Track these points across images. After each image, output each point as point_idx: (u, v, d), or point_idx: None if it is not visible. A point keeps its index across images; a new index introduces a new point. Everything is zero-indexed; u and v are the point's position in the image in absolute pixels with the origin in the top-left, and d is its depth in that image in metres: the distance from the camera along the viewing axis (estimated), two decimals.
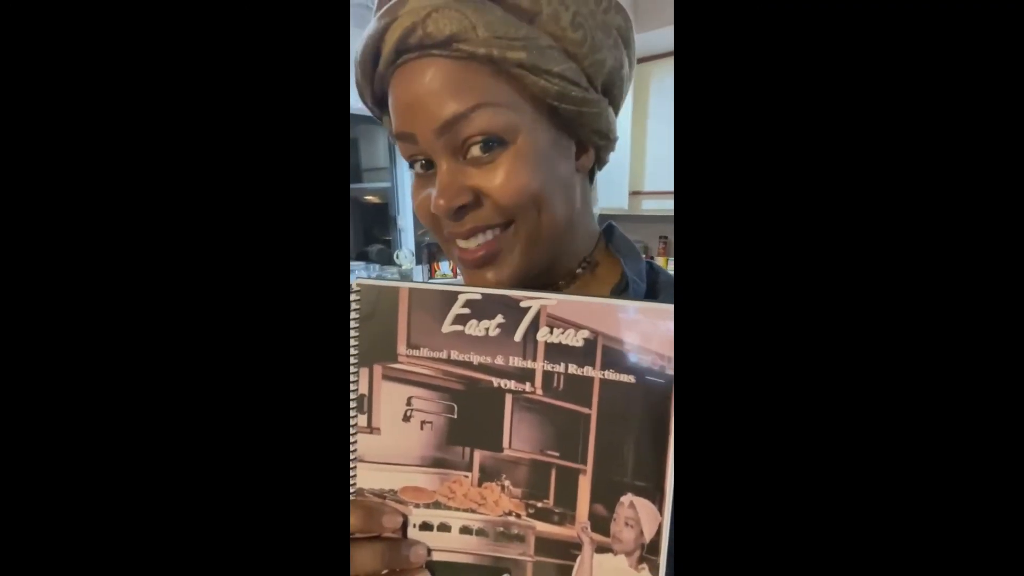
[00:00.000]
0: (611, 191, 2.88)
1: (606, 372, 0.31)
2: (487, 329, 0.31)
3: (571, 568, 0.32)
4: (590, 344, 0.31)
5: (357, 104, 0.46)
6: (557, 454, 0.32)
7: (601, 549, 0.31)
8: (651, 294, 0.46)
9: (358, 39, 0.40)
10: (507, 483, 0.32)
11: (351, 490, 0.33)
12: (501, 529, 0.33)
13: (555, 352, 0.31)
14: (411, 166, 0.42)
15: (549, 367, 0.31)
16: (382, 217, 3.23)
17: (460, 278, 0.46)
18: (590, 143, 0.43)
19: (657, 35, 2.51)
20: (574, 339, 0.31)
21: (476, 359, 0.31)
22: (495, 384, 0.32)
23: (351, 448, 0.33)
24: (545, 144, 0.39)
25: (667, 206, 2.84)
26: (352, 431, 0.33)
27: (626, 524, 0.31)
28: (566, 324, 0.31)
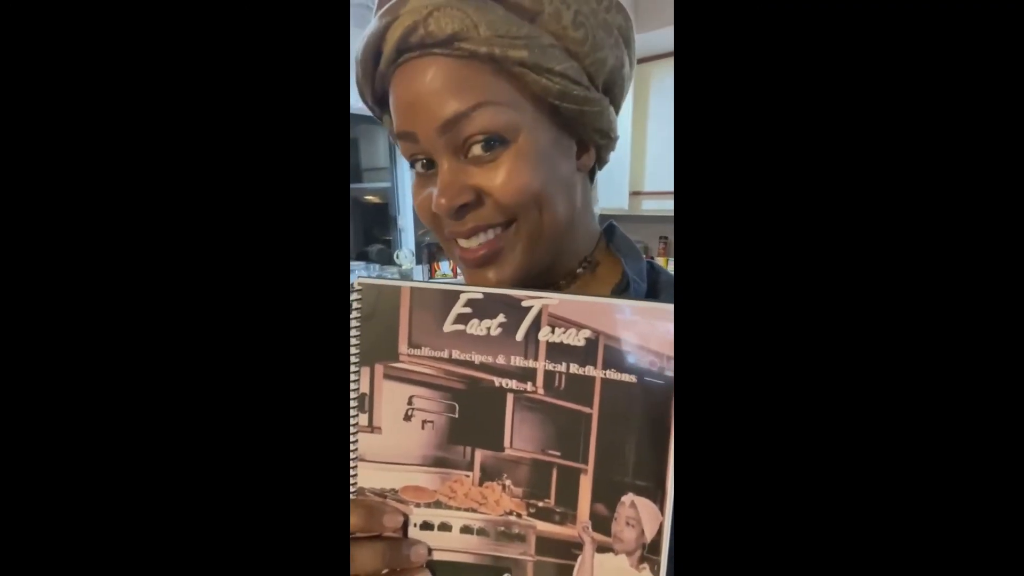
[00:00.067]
0: (611, 191, 2.88)
1: (607, 372, 0.31)
2: (488, 328, 0.31)
3: (572, 568, 0.32)
4: (591, 344, 0.31)
5: (357, 104, 0.46)
6: (558, 454, 0.32)
7: (602, 549, 0.31)
8: (652, 294, 0.46)
9: (358, 39, 0.40)
10: (508, 483, 0.32)
11: (352, 489, 0.33)
12: (502, 529, 0.33)
13: (556, 352, 0.31)
14: (412, 165, 0.42)
15: (550, 367, 0.31)
16: (382, 217, 3.23)
17: (460, 278, 0.46)
18: (591, 142, 0.43)
19: (657, 35, 2.51)
20: (575, 339, 0.31)
21: (477, 358, 0.31)
22: (496, 383, 0.32)
23: (352, 447, 0.33)
24: (546, 143, 0.39)
25: (667, 206, 2.84)
26: (353, 430, 0.33)
27: (627, 524, 0.31)
28: (568, 324, 0.31)
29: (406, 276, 2.84)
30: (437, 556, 0.33)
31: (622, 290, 0.45)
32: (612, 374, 0.30)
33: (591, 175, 0.47)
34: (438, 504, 0.33)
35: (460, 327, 0.31)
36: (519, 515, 0.32)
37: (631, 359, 0.30)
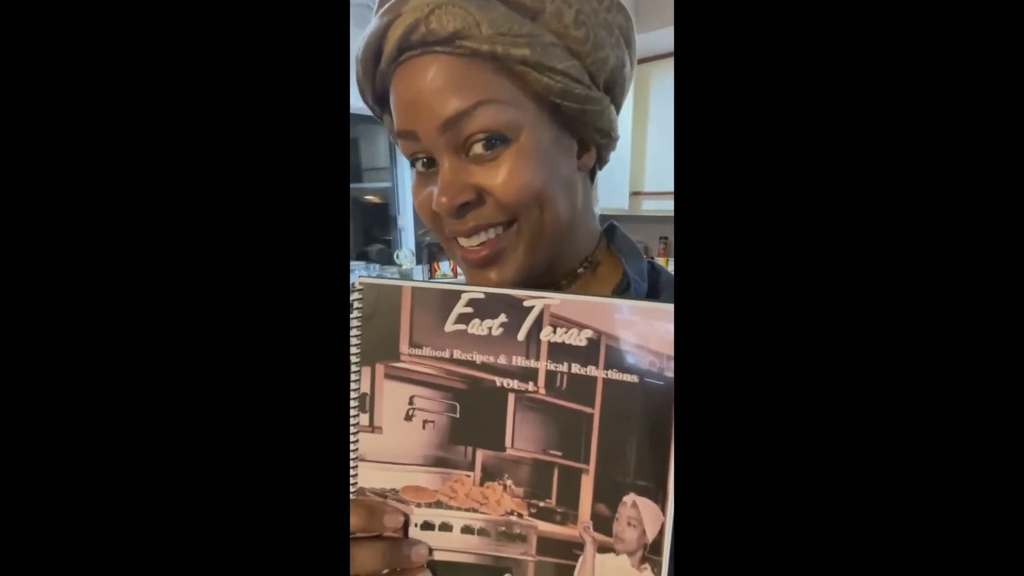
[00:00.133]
0: (611, 191, 2.88)
1: (609, 372, 0.31)
2: (490, 328, 0.31)
3: (573, 568, 0.32)
4: (593, 344, 0.31)
5: (357, 104, 0.46)
6: (560, 454, 0.32)
7: (603, 549, 0.31)
8: (653, 294, 0.46)
9: (358, 39, 0.40)
10: (509, 483, 0.32)
11: (352, 489, 0.33)
12: (503, 529, 0.33)
13: (558, 351, 0.31)
14: (412, 164, 0.42)
15: (552, 366, 0.31)
16: (382, 217, 3.23)
17: (461, 278, 0.46)
18: (592, 142, 0.43)
19: (657, 35, 2.51)
20: (577, 339, 0.31)
21: (479, 358, 0.31)
22: (498, 383, 0.32)
23: (353, 447, 0.33)
24: (548, 142, 0.39)
25: (667, 206, 2.84)
26: (354, 430, 0.33)
27: (628, 524, 0.31)
28: (569, 324, 0.31)
29: (406, 276, 2.84)
30: (438, 556, 0.33)
31: (623, 290, 0.45)
32: (614, 374, 0.30)
33: (591, 175, 0.47)
34: (439, 504, 0.33)
35: (461, 327, 0.31)
36: (520, 515, 0.32)
37: (633, 359, 0.30)
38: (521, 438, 0.32)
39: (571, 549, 0.32)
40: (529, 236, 0.40)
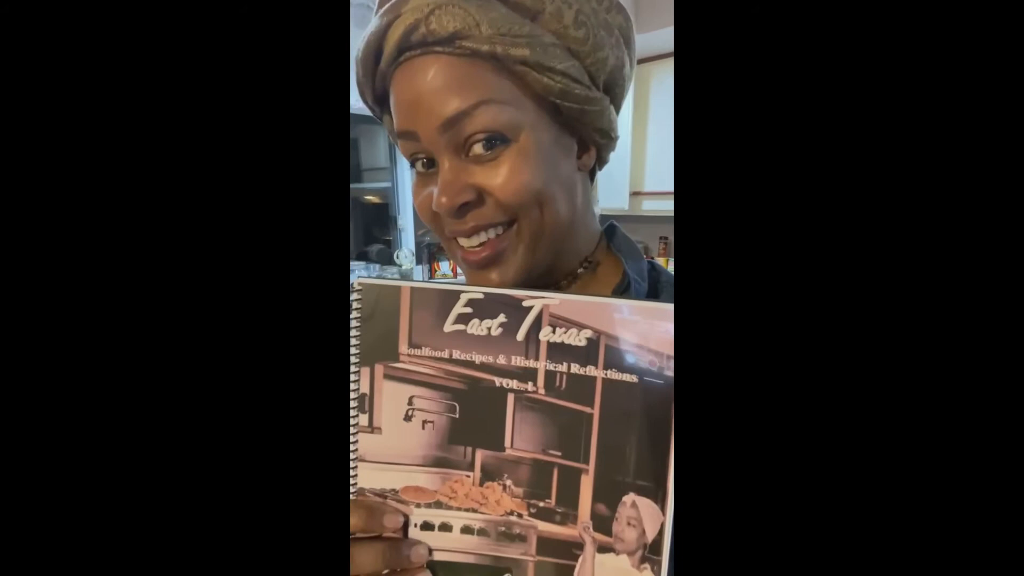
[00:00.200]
0: (611, 191, 2.88)
1: (608, 372, 0.30)
2: (489, 328, 0.31)
3: (573, 568, 0.32)
4: (592, 344, 0.30)
5: (357, 104, 0.46)
6: (559, 454, 0.32)
7: (603, 549, 0.31)
8: (653, 294, 0.46)
9: (358, 39, 0.40)
10: (509, 483, 0.32)
11: (352, 489, 0.33)
12: (503, 529, 0.33)
13: (557, 351, 0.31)
14: (412, 165, 0.42)
15: (551, 366, 0.31)
16: (382, 217, 3.23)
17: (461, 278, 0.46)
18: (591, 142, 0.43)
19: (657, 35, 2.51)
20: (576, 339, 0.31)
21: (478, 358, 0.31)
22: (497, 383, 0.32)
23: (352, 447, 0.33)
24: (548, 142, 0.39)
25: (667, 206, 2.84)
26: (353, 430, 0.33)
27: (628, 524, 0.31)
28: (568, 323, 0.31)
29: (406, 276, 2.84)
30: (438, 556, 0.33)
31: (623, 290, 0.45)
32: (613, 374, 0.30)
33: (591, 175, 0.47)
34: (438, 504, 0.33)
35: (461, 327, 0.31)
36: (520, 515, 0.32)
37: (632, 359, 0.30)
38: (520, 438, 0.32)
39: (571, 549, 0.32)
40: (529, 236, 0.40)
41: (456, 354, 0.31)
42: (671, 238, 3.15)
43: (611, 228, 0.49)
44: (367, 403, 0.32)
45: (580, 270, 0.46)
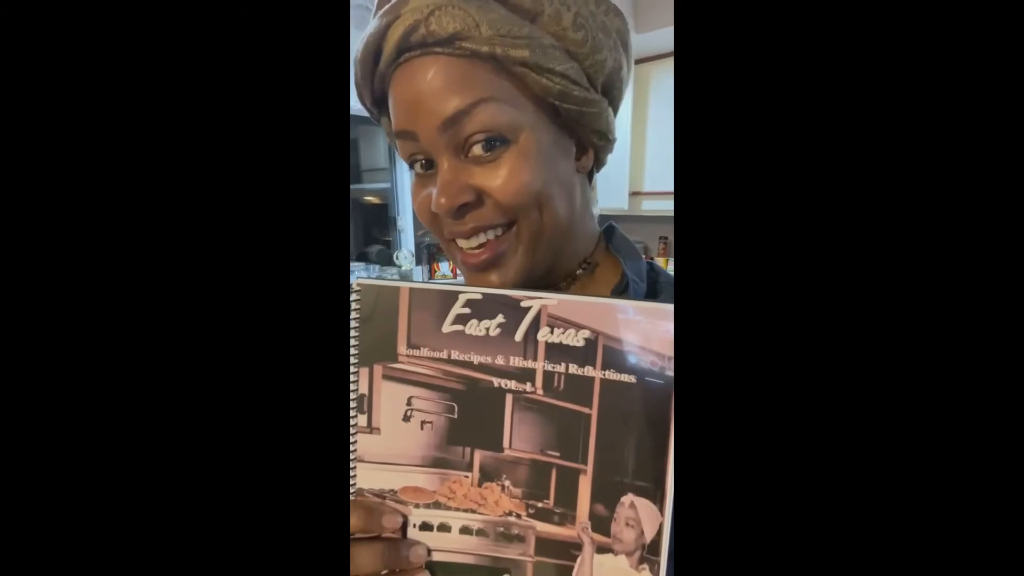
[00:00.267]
0: (611, 191, 2.88)
1: (607, 372, 0.31)
2: (487, 329, 0.31)
3: (571, 568, 0.32)
4: (591, 344, 0.30)
5: (357, 105, 0.46)
6: (557, 454, 0.32)
7: (601, 549, 0.31)
8: (651, 294, 0.46)
9: (357, 40, 0.40)
10: (507, 483, 0.32)
11: (351, 490, 0.33)
12: (501, 529, 0.33)
13: (556, 352, 0.31)
14: (411, 167, 0.42)
15: (550, 367, 0.31)
16: (382, 218, 3.23)
17: (460, 278, 0.46)
18: (589, 144, 0.43)
19: (657, 35, 2.51)
20: (575, 339, 0.31)
21: (476, 359, 0.31)
22: (495, 384, 0.32)
23: (351, 448, 0.33)
24: (547, 143, 0.39)
25: (667, 206, 2.84)
26: (352, 431, 0.33)
27: (627, 524, 0.31)
28: (567, 324, 0.31)
29: (406, 277, 2.84)
30: (436, 557, 0.33)
31: (621, 290, 0.45)
32: (611, 374, 0.30)
33: (589, 176, 0.47)
34: (437, 505, 0.33)
35: (459, 328, 0.31)
36: (518, 516, 0.32)
37: (630, 359, 0.30)
38: (519, 438, 0.32)
39: (569, 550, 0.32)
40: (528, 238, 0.40)
41: (455, 355, 0.31)
42: (670, 238, 3.15)
43: (610, 229, 0.49)
44: (366, 403, 0.32)
45: (579, 271, 0.46)
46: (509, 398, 0.32)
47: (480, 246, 0.40)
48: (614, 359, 0.30)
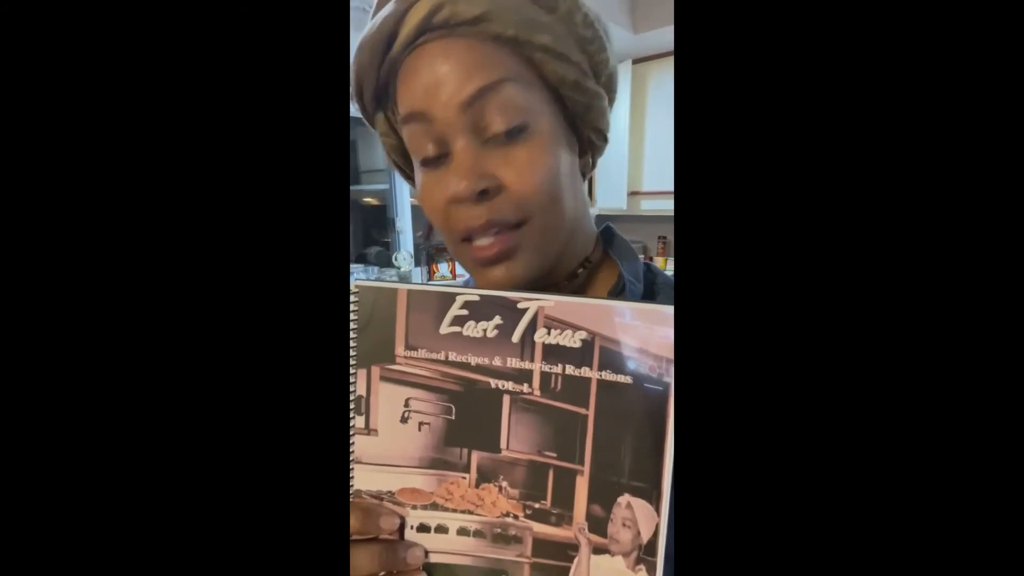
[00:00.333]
0: (610, 191, 2.88)
1: (603, 373, 0.31)
2: (485, 330, 0.31)
3: (568, 569, 0.32)
4: (587, 345, 0.31)
5: (355, 106, 0.45)
6: (554, 455, 0.32)
7: (598, 550, 0.31)
8: (648, 295, 0.46)
9: (356, 41, 0.40)
10: (504, 484, 0.32)
11: (349, 491, 0.33)
12: (498, 530, 0.33)
13: (552, 353, 0.31)
14: (420, 162, 0.40)
15: (546, 368, 0.31)
16: (380, 219, 3.22)
17: (460, 279, 0.46)
18: (588, 142, 0.43)
19: (657, 35, 2.51)
20: (571, 340, 0.31)
21: (474, 360, 0.31)
22: (493, 385, 0.32)
23: (349, 449, 0.33)
24: (560, 134, 0.40)
25: (666, 206, 2.84)
26: (350, 432, 0.33)
27: (623, 525, 0.31)
28: (563, 325, 0.31)
29: (404, 278, 2.84)
30: (434, 558, 0.33)
31: (619, 292, 0.45)
32: (608, 375, 0.30)
33: (583, 176, 0.47)
34: (435, 506, 0.33)
35: (456, 329, 0.31)
36: (515, 517, 0.32)
37: (627, 360, 0.30)
38: (516, 440, 0.32)
39: (566, 550, 0.32)
40: (542, 233, 0.39)
41: (452, 356, 0.31)
42: (669, 237, 3.15)
43: (607, 230, 0.49)
44: (364, 405, 0.32)
45: (579, 271, 0.46)
46: (506, 399, 0.32)
47: (491, 241, 0.39)
48: (610, 360, 0.30)
